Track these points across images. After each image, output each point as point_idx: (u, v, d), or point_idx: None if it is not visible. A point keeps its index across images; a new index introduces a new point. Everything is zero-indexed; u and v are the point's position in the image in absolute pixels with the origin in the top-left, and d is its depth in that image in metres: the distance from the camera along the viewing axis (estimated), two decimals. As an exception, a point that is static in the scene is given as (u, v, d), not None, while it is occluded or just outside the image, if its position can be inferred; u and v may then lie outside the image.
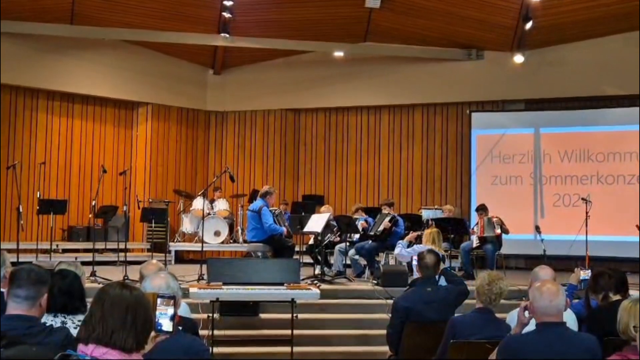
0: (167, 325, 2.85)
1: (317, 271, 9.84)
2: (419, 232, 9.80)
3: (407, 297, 5.72)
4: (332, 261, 10.81)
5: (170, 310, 2.86)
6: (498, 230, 10.80)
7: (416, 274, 7.08)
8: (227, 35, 13.25)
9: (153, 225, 11.46)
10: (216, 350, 7.03)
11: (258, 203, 10.45)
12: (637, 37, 12.40)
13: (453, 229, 10.89)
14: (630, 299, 3.92)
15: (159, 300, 2.85)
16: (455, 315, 5.30)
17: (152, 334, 2.76)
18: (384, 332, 6.01)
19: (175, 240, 13.31)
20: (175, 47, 14.16)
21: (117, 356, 2.34)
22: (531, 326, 3.89)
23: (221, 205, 13.14)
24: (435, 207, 13.14)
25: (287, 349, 7.25)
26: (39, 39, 12.79)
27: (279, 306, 8.04)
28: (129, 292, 2.46)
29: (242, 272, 7.11)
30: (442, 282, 6.13)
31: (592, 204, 10.33)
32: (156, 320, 2.80)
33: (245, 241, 12.10)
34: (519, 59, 13.15)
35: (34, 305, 3.27)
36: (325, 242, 10.31)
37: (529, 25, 12.40)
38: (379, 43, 14.11)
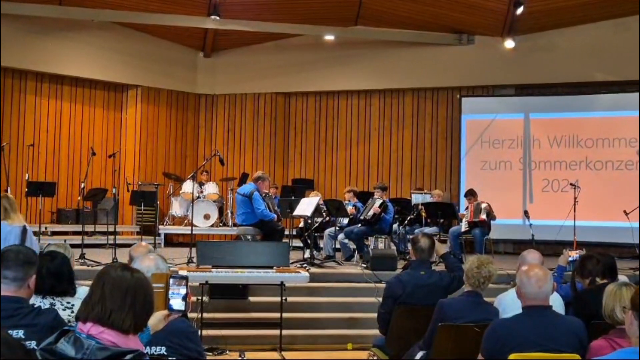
0: (178, 304, 2.90)
1: (307, 255, 9.85)
2: None
3: (401, 278, 5.73)
4: (321, 245, 10.83)
5: (183, 290, 2.91)
6: (483, 216, 10.84)
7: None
8: (217, 18, 13.13)
9: (142, 208, 11.41)
10: (205, 332, 7.06)
11: (249, 187, 10.19)
12: (628, 23, 12.43)
13: (442, 213, 10.93)
14: (615, 284, 3.96)
15: (171, 281, 2.90)
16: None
17: (165, 312, 2.84)
18: (372, 315, 6.04)
19: (164, 223, 13.28)
20: (165, 30, 14.05)
21: (114, 336, 2.36)
22: (517, 310, 3.93)
23: (211, 188, 13.12)
24: (425, 191, 13.16)
25: (276, 331, 7.28)
26: (28, 20, 12.64)
27: (268, 289, 8.08)
28: (129, 274, 2.49)
29: (231, 255, 7.11)
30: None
31: (581, 189, 10.39)
32: (168, 299, 2.87)
33: (234, 224, 12.07)
34: (509, 44, 13.14)
35: (22, 287, 3.26)
36: (315, 226, 10.33)
37: (520, 10, 12.38)
38: (370, 27, 14.06)
